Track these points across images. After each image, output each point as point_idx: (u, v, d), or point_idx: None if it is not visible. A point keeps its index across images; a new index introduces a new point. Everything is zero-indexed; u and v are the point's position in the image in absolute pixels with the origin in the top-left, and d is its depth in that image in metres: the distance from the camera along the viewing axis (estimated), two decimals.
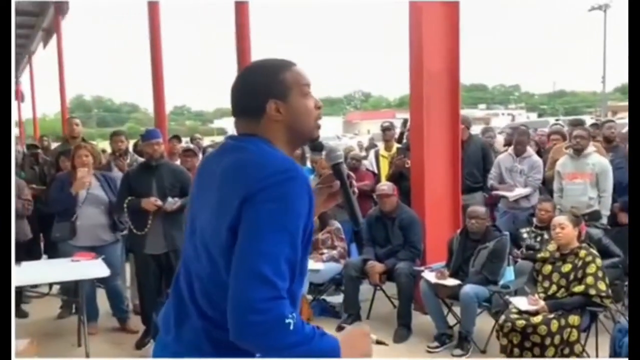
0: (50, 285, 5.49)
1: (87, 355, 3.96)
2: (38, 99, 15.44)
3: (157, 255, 4.28)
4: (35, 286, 5.51)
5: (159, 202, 4.12)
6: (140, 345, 4.29)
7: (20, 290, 5.25)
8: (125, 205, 4.21)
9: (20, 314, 5.21)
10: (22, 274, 3.98)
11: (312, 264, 4.73)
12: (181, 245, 4.22)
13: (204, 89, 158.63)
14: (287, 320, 1.14)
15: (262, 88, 1.35)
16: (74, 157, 4.58)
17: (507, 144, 6.79)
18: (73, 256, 4.35)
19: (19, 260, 4.17)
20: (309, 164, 6.69)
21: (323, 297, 5.18)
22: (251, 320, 1.13)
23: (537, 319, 3.49)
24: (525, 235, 4.76)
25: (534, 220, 4.85)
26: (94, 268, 4.09)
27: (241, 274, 1.16)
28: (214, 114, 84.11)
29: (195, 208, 1.38)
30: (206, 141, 7.98)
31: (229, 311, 1.17)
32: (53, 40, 10.81)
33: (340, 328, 4.38)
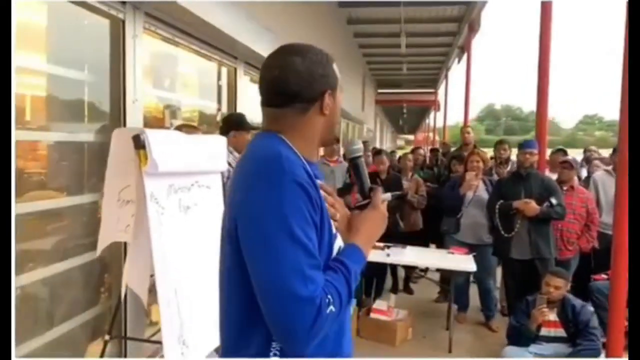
0: (425, 270, 6.24)
1: (450, 341, 4.43)
2: (450, 108, 17.28)
3: (522, 261, 4.40)
4: (425, 270, 6.40)
5: (531, 202, 4.26)
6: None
7: (409, 271, 6.25)
8: (497, 208, 4.48)
9: (408, 291, 6.20)
10: (408, 256, 4.75)
11: None
12: (547, 254, 4.28)
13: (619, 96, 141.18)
14: (328, 312, 1.08)
15: (321, 77, 1.24)
16: (467, 161, 5.16)
17: None
18: (450, 249, 4.93)
19: (408, 244, 5.03)
20: None
21: None
22: (312, 335, 1.07)
23: None
24: None
25: None
26: (464, 262, 4.51)
27: (271, 299, 1.08)
28: None
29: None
30: (605, 154, 7.35)
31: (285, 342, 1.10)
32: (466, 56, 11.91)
33: None
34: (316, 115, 1.25)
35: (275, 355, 1.16)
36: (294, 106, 1.22)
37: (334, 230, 1.24)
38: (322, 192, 1.22)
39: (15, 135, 2.51)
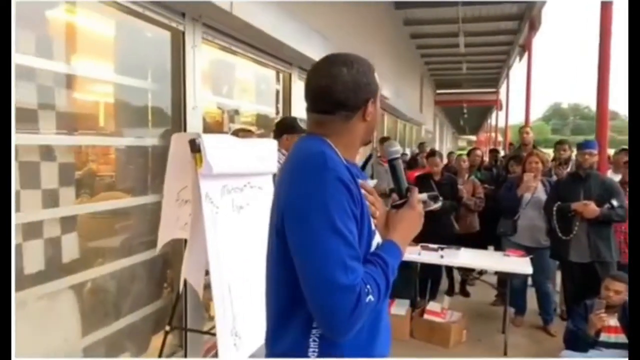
0: (481, 273, 6.14)
1: (505, 344, 4.37)
2: (513, 107, 16.82)
3: (582, 264, 4.27)
4: (481, 273, 6.30)
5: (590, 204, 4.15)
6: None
7: (466, 274, 6.18)
8: (554, 209, 4.38)
9: (464, 293, 6.12)
10: (462, 258, 4.72)
11: None
12: (607, 258, 4.13)
13: None
14: (367, 301, 1.15)
15: (365, 86, 1.32)
16: (525, 162, 5.05)
17: None
18: (506, 251, 4.85)
19: (464, 246, 4.98)
20: None
21: None
22: (352, 322, 1.14)
23: None
24: None
25: None
26: (519, 265, 4.42)
27: (315, 287, 1.16)
28: None
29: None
30: None
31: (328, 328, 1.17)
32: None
33: None
34: (358, 121, 1.33)
35: (314, 341, 1.25)
36: (339, 113, 1.31)
37: (372, 227, 1.31)
38: (362, 191, 1.30)
39: (90, 140, 2.75)
